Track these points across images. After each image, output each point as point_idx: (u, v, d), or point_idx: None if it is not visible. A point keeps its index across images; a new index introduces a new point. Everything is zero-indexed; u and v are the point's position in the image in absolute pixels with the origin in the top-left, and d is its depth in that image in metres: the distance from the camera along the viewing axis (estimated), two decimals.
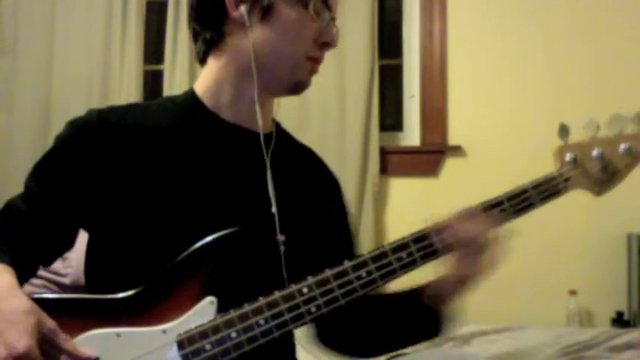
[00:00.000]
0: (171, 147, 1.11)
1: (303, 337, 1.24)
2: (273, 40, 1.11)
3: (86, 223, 1.11)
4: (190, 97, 1.17)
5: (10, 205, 1.10)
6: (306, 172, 1.23)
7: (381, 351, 1.22)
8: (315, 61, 1.14)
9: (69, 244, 1.13)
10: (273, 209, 1.12)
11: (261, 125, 1.13)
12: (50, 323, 0.93)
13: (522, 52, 2.81)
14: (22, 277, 1.03)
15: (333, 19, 1.14)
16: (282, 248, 1.11)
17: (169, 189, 1.08)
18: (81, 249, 1.18)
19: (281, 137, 1.21)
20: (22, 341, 0.87)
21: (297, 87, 1.15)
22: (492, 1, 2.86)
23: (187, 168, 1.10)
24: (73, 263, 2.19)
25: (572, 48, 2.77)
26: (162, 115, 1.14)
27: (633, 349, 1.98)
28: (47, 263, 1.13)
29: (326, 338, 1.26)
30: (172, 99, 1.19)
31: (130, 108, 1.17)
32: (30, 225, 1.07)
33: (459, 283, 1.10)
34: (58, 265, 2.18)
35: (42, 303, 0.94)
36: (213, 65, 1.15)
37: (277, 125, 1.23)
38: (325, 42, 1.13)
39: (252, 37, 1.10)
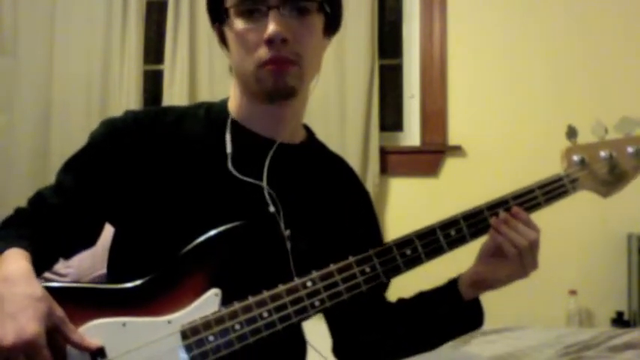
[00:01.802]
0: (198, 153, 1.13)
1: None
2: (234, 60, 1.12)
3: (112, 218, 1.15)
4: (222, 106, 1.19)
5: (40, 194, 1.13)
6: (332, 183, 1.22)
7: (415, 351, 1.23)
8: (271, 63, 1.06)
9: (92, 240, 1.16)
10: (271, 209, 1.12)
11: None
12: (60, 312, 0.95)
13: (522, 51, 2.81)
14: (41, 266, 1.06)
15: (270, 7, 1.05)
16: (288, 244, 1.11)
17: (192, 191, 1.10)
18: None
19: (309, 147, 1.21)
20: (31, 327, 0.89)
21: (271, 96, 1.09)
22: (492, 2, 2.86)
23: (210, 173, 1.12)
24: (73, 263, 2.19)
25: (573, 48, 2.77)
26: (194, 121, 1.16)
27: (633, 349, 1.98)
28: (68, 256, 1.16)
29: (349, 353, 1.27)
30: (208, 105, 1.21)
31: (164, 113, 1.18)
32: (57, 217, 1.10)
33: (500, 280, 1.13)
34: (58, 265, 2.18)
35: (51, 291, 0.96)
36: (235, 78, 1.18)
37: (311, 135, 1.24)
38: (266, 39, 1.05)
39: (231, 61, 1.15)
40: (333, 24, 1.16)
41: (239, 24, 1.08)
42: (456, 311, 1.16)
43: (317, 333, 1.30)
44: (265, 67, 1.06)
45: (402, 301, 1.23)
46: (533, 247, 1.09)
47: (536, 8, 2.80)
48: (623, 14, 2.74)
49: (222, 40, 1.15)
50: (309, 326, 1.18)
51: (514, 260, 1.09)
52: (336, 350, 1.28)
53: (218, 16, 1.12)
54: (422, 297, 1.20)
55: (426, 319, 1.19)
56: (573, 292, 2.65)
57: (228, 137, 1.14)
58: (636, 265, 2.58)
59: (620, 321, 2.61)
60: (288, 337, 1.13)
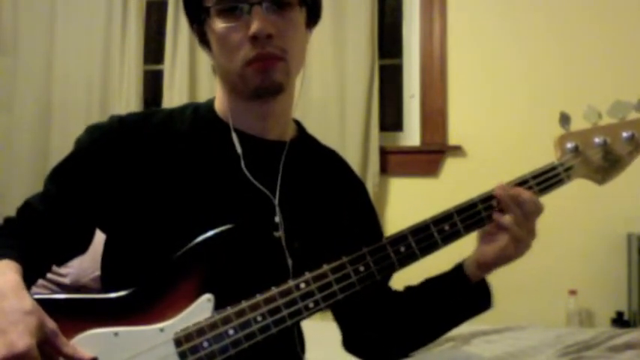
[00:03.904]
0: (185, 154, 1.11)
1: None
2: (218, 61, 1.11)
3: (103, 224, 1.13)
4: (209, 106, 1.18)
5: (28, 203, 1.12)
6: (326, 178, 1.22)
7: (427, 338, 1.22)
8: (257, 60, 1.05)
9: (83, 247, 1.15)
10: (277, 219, 1.11)
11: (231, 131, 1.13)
12: (51, 324, 0.94)
13: (522, 51, 2.81)
14: (34, 275, 1.05)
15: (252, 4, 1.04)
16: (283, 243, 1.10)
17: (181, 194, 1.09)
18: None
19: (300, 143, 1.20)
20: (23, 341, 0.88)
21: (258, 93, 1.08)
22: (492, 1, 2.86)
23: (199, 175, 1.11)
24: (74, 264, 2.19)
25: (573, 47, 2.76)
26: (181, 123, 1.15)
27: (633, 349, 1.98)
28: (60, 263, 1.15)
29: (359, 346, 1.26)
30: (195, 107, 1.20)
31: (151, 115, 1.17)
32: (46, 225, 1.09)
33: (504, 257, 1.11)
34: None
35: (42, 303, 0.95)
36: (219, 78, 1.17)
37: (302, 131, 1.24)
38: (251, 36, 1.04)
39: (213, 60, 1.14)
40: (314, 16, 1.15)
41: (220, 23, 1.06)
42: (464, 295, 1.14)
43: (317, 330, 1.30)
44: (251, 65, 1.05)
45: (409, 289, 1.22)
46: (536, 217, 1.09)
47: (536, 8, 2.80)
48: (627, 16, 2.74)
49: (203, 41, 1.14)
50: (308, 323, 1.17)
51: (516, 237, 1.08)
52: (346, 344, 1.27)
53: (197, 16, 1.11)
54: (429, 283, 1.19)
55: (436, 305, 1.17)
56: (573, 292, 2.65)
57: (235, 139, 1.13)
58: (636, 265, 2.58)
59: (620, 321, 2.60)
60: (279, 335, 1.13)
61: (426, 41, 2.90)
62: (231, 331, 0.99)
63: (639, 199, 2.60)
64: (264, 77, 1.06)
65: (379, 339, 1.23)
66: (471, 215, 1.09)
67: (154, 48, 3.16)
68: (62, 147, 2.95)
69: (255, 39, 1.04)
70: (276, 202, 1.12)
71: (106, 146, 1.11)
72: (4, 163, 3.12)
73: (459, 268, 1.15)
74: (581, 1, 2.77)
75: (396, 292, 1.24)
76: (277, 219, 1.11)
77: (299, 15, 1.10)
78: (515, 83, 2.82)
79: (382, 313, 1.22)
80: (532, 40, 2.80)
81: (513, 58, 2.82)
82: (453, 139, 2.87)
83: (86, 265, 2.14)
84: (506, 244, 1.08)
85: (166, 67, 3.03)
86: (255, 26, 1.03)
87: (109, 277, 1.15)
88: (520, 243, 1.08)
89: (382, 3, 2.99)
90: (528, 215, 1.07)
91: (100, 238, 1.16)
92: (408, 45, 2.99)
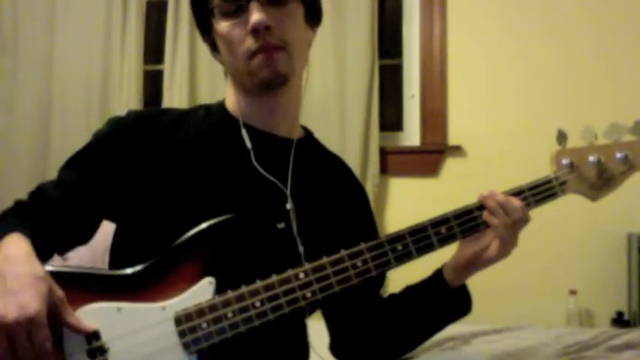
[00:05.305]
0: (198, 148, 1.15)
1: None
2: (225, 60, 1.16)
3: (115, 214, 1.16)
4: (220, 105, 1.23)
5: (41, 188, 1.15)
6: (330, 178, 1.25)
7: (410, 345, 1.25)
8: (260, 52, 1.10)
9: (88, 236, 1.17)
10: (289, 206, 1.15)
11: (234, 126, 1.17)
12: (59, 293, 0.96)
13: (522, 51, 2.81)
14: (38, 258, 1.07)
15: (250, 0, 1.09)
16: (295, 231, 1.13)
17: (194, 186, 1.12)
18: (81, 249, 1.19)
19: (307, 143, 1.25)
20: (34, 304, 0.90)
21: (265, 85, 1.12)
22: (492, 1, 2.86)
23: (211, 167, 1.14)
24: (73, 262, 2.20)
25: (573, 48, 2.77)
26: (194, 119, 1.19)
27: (633, 349, 1.98)
28: (62, 251, 1.17)
29: (345, 351, 1.29)
30: (207, 106, 1.24)
31: (166, 112, 1.22)
32: (56, 212, 1.12)
33: (481, 262, 1.14)
34: (58, 262, 2.18)
35: (50, 274, 0.97)
36: (229, 79, 1.22)
37: (308, 132, 1.28)
38: (251, 29, 1.09)
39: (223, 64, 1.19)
40: (313, 13, 1.19)
41: (224, 23, 1.12)
42: (443, 300, 1.18)
43: (321, 334, 1.30)
44: (255, 57, 1.10)
45: (392, 296, 1.26)
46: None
47: (536, 8, 2.80)
48: (624, 17, 2.73)
49: (215, 50, 1.19)
50: (313, 327, 1.19)
51: (499, 240, 1.11)
52: (333, 348, 1.30)
53: (206, 23, 1.16)
54: (410, 290, 1.23)
55: (416, 312, 1.21)
56: (573, 292, 2.65)
57: (244, 134, 1.16)
58: (636, 265, 2.58)
59: (620, 321, 2.60)
60: (292, 338, 1.15)
61: (426, 41, 2.90)
62: (229, 314, 1.02)
63: (639, 199, 2.60)
64: (269, 68, 1.10)
65: (364, 345, 1.26)
66: (467, 221, 1.12)
67: (153, 48, 3.17)
68: (62, 147, 2.97)
69: (255, 32, 1.08)
70: (288, 191, 1.15)
71: (124, 137, 1.14)
72: (4, 163, 3.12)
73: (438, 274, 1.19)
74: (580, 2, 2.77)
75: (383, 300, 1.27)
76: (289, 206, 1.14)
77: (297, 8, 1.14)
78: (515, 83, 2.82)
79: (368, 319, 1.25)
80: (532, 41, 2.80)
81: (513, 58, 2.82)
82: (452, 139, 2.87)
83: (84, 263, 2.14)
84: (489, 244, 1.12)
85: (166, 67, 3.03)
86: (254, 19, 1.08)
87: (118, 268, 1.16)
88: (503, 245, 1.11)
89: (382, 3, 3.00)
90: (515, 222, 1.11)
91: (100, 236, 1.17)
92: (408, 45, 3.00)
